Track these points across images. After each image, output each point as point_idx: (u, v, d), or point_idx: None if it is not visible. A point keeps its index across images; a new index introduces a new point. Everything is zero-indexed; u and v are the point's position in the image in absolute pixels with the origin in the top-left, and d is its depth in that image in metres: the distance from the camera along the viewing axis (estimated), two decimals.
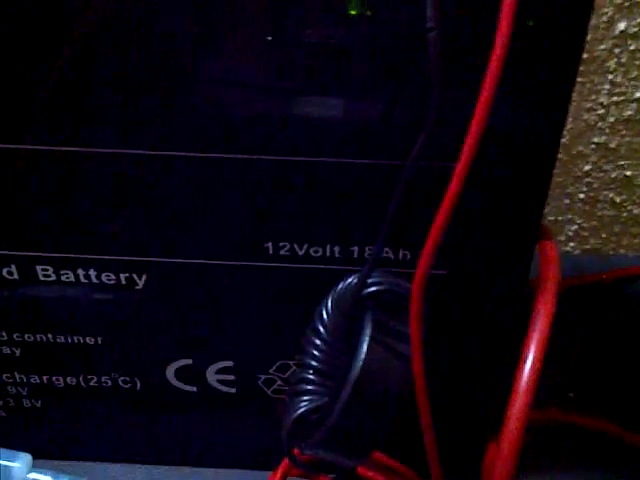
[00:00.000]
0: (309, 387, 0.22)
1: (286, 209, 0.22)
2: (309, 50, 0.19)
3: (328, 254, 0.23)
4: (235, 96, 0.21)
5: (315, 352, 0.22)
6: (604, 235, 0.40)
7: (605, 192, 0.38)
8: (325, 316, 0.22)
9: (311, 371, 0.22)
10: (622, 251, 0.40)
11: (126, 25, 0.19)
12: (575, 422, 0.32)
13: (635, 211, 0.38)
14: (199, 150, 0.21)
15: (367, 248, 0.23)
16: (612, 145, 0.36)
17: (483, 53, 0.16)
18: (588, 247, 0.40)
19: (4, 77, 0.20)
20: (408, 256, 0.23)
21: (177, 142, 0.21)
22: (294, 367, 0.27)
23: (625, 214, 0.38)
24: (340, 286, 0.22)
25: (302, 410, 0.21)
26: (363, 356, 0.20)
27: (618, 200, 0.38)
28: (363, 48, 0.19)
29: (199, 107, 0.21)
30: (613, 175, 0.37)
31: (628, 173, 0.37)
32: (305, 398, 0.22)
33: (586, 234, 0.40)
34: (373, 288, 0.20)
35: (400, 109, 0.20)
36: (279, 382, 0.27)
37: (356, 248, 0.23)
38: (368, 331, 0.20)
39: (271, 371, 0.27)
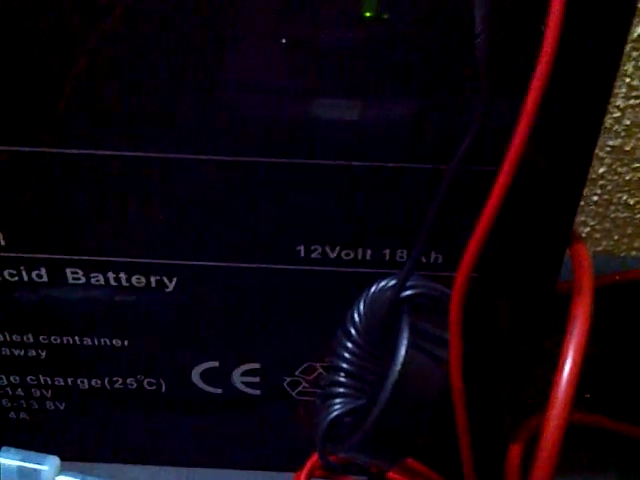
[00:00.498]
0: (342, 390, 0.22)
1: (318, 212, 0.22)
2: (331, 53, 0.20)
3: (360, 257, 0.23)
4: (264, 99, 0.21)
5: (347, 355, 0.22)
6: (616, 237, 0.40)
7: (619, 194, 0.38)
8: (357, 319, 0.22)
9: (343, 374, 0.22)
10: (634, 253, 0.40)
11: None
12: (590, 423, 0.32)
13: None
14: (230, 153, 0.21)
15: (399, 251, 0.23)
16: (627, 148, 0.37)
17: (527, 59, 0.16)
18: (600, 249, 0.41)
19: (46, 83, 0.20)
20: (440, 259, 0.23)
21: (207, 145, 0.21)
22: (320, 369, 0.27)
23: (639, 216, 0.39)
24: (373, 289, 0.22)
25: (337, 413, 0.22)
26: (401, 360, 0.20)
27: (632, 202, 0.38)
28: (395, 51, 0.19)
29: (232, 110, 0.21)
30: (627, 177, 0.37)
31: None
32: (338, 401, 0.22)
33: (598, 236, 0.40)
34: (409, 292, 0.20)
35: (431, 113, 0.21)
36: (304, 384, 0.27)
37: (388, 251, 0.23)
38: (406, 335, 0.20)
39: (297, 373, 0.27)
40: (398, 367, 0.20)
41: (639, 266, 0.38)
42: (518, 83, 0.17)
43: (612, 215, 0.39)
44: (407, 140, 0.21)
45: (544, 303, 0.24)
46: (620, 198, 0.38)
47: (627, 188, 0.38)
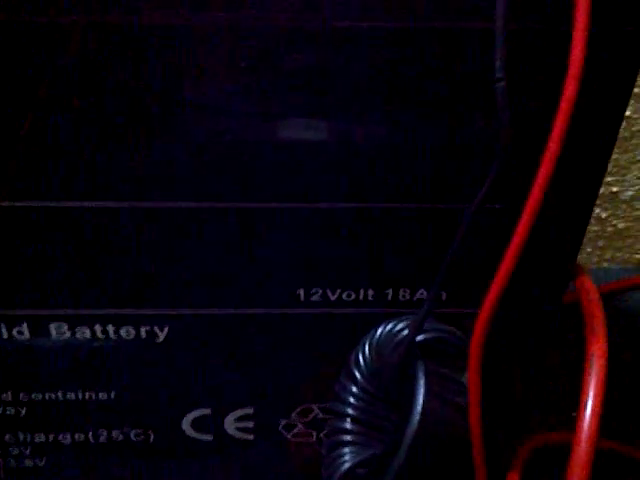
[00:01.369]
0: (349, 438, 0.22)
1: (318, 255, 0.22)
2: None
3: (361, 298, 0.22)
4: (260, 145, 0.20)
5: (353, 400, 0.22)
6: (589, 249, 0.40)
7: None
8: (363, 362, 0.21)
9: (349, 420, 0.22)
10: (605, 264, 0.41)
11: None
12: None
13: (620, 225, 0.39)
14: (225, 200, 0.20)
15: (401, 290, 0.22)
16: None
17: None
18: None
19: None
20: (443, 296, 0.22)
21: (201, 191, 0.20)
22: (317, 410, 0.26)
23: (610, 229, 0.39)
24: (380, 331, 0.21)
25: (349, 465, 0.21)
26: (420, 409, 0.19)
27: (604, 215, 0.39)
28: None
29: (226, 158, 0.20)
30: (600, 191, 0.37)
31: (614, 189, 0.37)
32: (347, 450, 0.21)
33: None
34: (423, 336, 0.20)
35: (431, 156, 0.20)
36: (300, 426, 0.26)
37: (390, 291, 0.22)
38: (422, 382, 0.19)
39: (293, 415, 0.26)
40: (417, 417, 0.19)
41: (611, 278, 0.38)
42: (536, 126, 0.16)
43: None
44: (408, 181, 0.20)
45: (548, 334, 0.23)
46: (592, 212, 0.38)
47: (599, 202, 0.38)
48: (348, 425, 0.22)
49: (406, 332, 0.20)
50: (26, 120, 0.19)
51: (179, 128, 0.19)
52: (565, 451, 0.32)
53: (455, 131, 0.20)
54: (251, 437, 0.26)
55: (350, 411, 0.22)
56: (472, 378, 0.18)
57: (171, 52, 0.18)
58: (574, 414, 0.34)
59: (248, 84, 0.18)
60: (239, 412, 0.26)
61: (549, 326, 0.23)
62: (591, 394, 0.19)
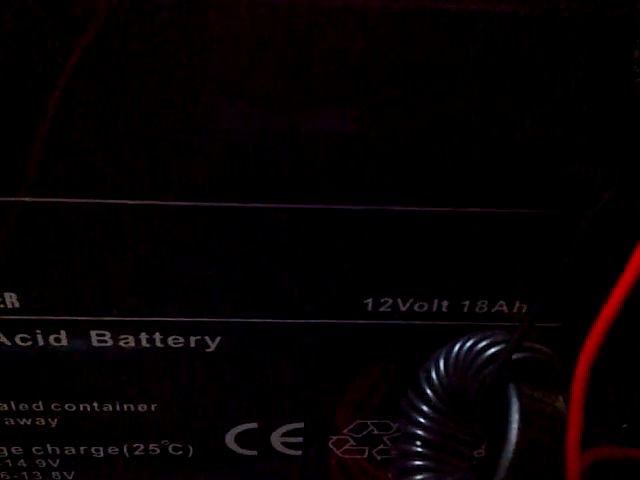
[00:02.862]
0: (421, 462, 0.20)
1: (390, 262, 0.20)
2: None
3: (435, 309, 0.20)
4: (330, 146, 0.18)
5: (423, 421, 0.20)
6: None
7: None
8: (436, 380, 0.20)
9: (419, 443, 0.20)
10: None
11: None
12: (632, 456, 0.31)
13: None
14: (287, 201, 0.18)
15: (479, 302, 0.20)
16: None
17: None
18: None
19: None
20: (524, 309, 0.21)
21: (260, 193, 0.18)
22: (372, 427, 0.24)
23: None
24: (458, 347, 0.19)
25: None
26: (515, 438, 0.17)
27: None
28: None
29: (292, 158, 0.18)
30: None
31: None
32: (418, 477, 0.19)
33: None
34: (517, 356, 0.18)
35: (505, 156, 0.18)
36: (352, 442, 0.24)
37: (467, 302, 0.20)
38: (517, 407, 0.17)
39: (345, 431, 0.24)
40: (513, 447, 0.17)
41: None
42: None
43: None
44: (487, 184, 0.18)
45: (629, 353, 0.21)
46: None
47: None
48: (419, 449, 0.20)
49: (494, 350, 0.18)
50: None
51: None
52: (621, 466, 0.30)
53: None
54: (299, 453, 0.24)
55: (421, 433, 0.20)
56: (574, 411, 0.16)
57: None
58: (624, 426, 0.33)
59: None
60: (287, 427, 0.24)
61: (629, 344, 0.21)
62: None
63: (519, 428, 0.17)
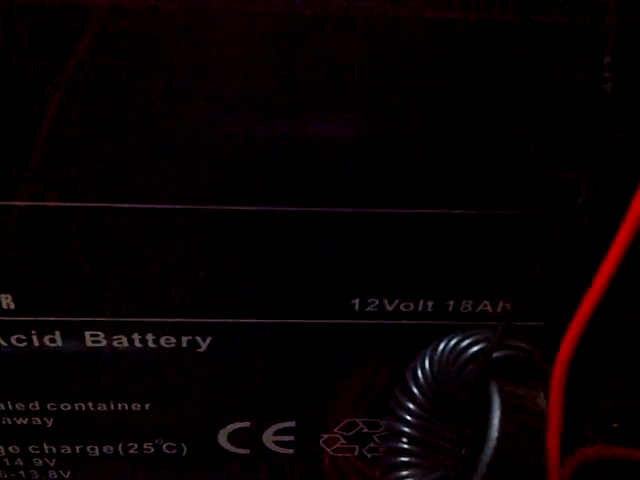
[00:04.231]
0: (407, 459, 0.20)
1: (376, 263, 0.20)
2: None
3: (420, 309, 0.21)
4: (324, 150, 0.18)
5: (410, 418, 0.20)
6: None
7: None
8: (422, 378, 0.20)
9: (405, 440, 0.20)
10: None
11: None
12: (622, 456, 0.31)
13: None
14: (275, 204, 0.19)
15: (464, 302, 0.21)
16: None
17: None
18: None
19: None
20: (507, 308, 0.21)
21: (250, 196, 0.19)
22: (361, 425, 0.24)
23: None
24: (442, 346, 0.20)
25: None
26: (496, 434, 0.17)
27: None
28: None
29: (282, 164, 0.18)
30: None
31: None
32: (405, 473, 0.20)
33: None
34: (498, 354, 0.18)
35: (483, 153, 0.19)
36: (342, 441, 0.25)
37: (452, 302, 0.21)
38: (498, 404, 0.18)
39: (336, 430, 0.24)
40: (494, 443, 0.17)
41: None
42: None
43: None
44: (471, 187, 0.19)
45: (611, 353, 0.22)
46: None
47: None
48: (406, 445, 0.20)
49: (476, 348, 0.19)
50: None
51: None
52: (611, 465, 0.30)
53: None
54: (291, 451, 0.25)
55: (408, 430, 0.20)
56: (553, 407, 0.17)
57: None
58: (615, 425, 0.33)
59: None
60: (279, 425, 0.24)
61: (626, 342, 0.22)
62: None
63: (500, 424, 0.17)
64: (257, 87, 0.17)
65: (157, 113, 0.17)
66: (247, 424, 0.24)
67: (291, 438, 0.24)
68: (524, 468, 0.18)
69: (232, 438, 0.24)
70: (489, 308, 0.21)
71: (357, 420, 0.24)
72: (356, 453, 0.25)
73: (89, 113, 0.17)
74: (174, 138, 0.18)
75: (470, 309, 0.21)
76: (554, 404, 0.17)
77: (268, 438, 0.24)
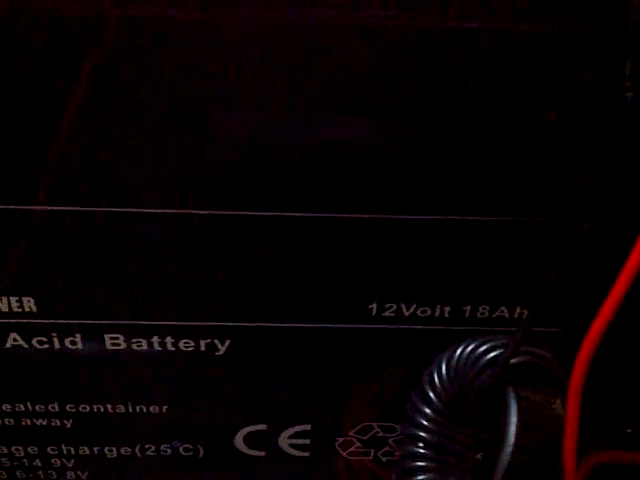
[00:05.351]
0: (423, 463, 0.20)
1: (394, 268, 0.20)
2: None
3: (437, 314, 0.21)
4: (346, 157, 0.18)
5: (426, 423, 0.20)
6: None
7: None
8: (438, 383, 0.20)
9: (422, 444, 0.20)
10: None
11: None
12: (636, 461, 0.31)
13: None
14: (295, 210, 0.19)
15: (481, 307, 0.21)
16: None
17: None
18: None
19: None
20: (524, 314, 0.21)
21: (272, 202, 0.19)
22: (377, 429, 0.24)
23: None
24: (459, 352, 0.20)
25: None
26: (513, 440, 0.18)
27: None
28: None
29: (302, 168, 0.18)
30: None
31: None
32: (421, 478, 0.20)
33: None
34: (516, 360, 0.18)
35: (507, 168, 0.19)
36: (357, 444, 0.25)
37: (469, 308, 0.21)
38: (515, 410, 0.18)
39: (351, 433, 0.25)
40: (510, 449, 0.18)
41: None
42: None
43: None
44: (488, 193, 0.19)
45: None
46: None
47: None
48: (422, 450, 0.20)
49: (493, 354, 0.19)
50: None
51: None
52: (624, 470, 0.30)
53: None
54: (306, 454, 0.25)
55: (424, 435, 0.20)
56: (571, 412, 0.17)
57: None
58: (629, 430, 0.33)
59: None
60: (295, 428, 0.24)
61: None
62: None
63: (517, 430, 0.17)
64: (270, 92, 0.17)
65: (175, 119, 0.18)
66: (263, 427, 0.24)
67: (306, 441, 0.25)
68: (540, 473, 0.18)
69: (248, 441, 0.25)
70: (506, 314, 0.21)
71: (373, 424, 0.24)
72: (371, 457, 0.25)
73: (107, 120, 0.17)
74: (202, 146, 0.18)
75: (487, 315, 0.21)
76: (571, 411, 0.17)
77: (284, 441, 0.25)
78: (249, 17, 0.16)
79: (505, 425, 0.18)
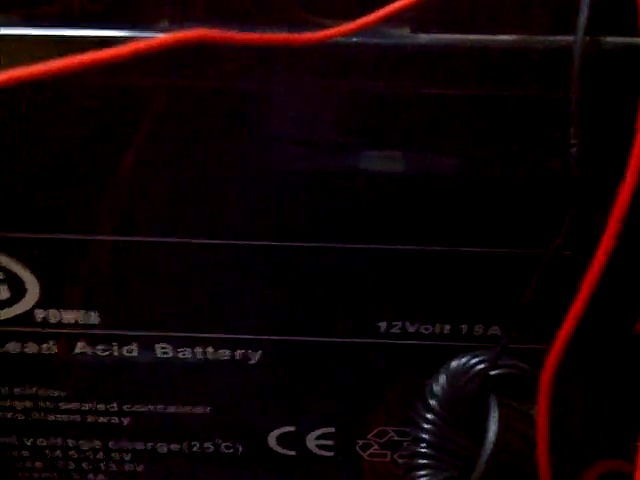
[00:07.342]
0: (424, 461, 0.23)
1: (401, 292, 0.24)
2: None
3: (438, 332, 0.24)
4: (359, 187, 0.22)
5: (427, 426, 0.23)
6: None
7: None
8: (438, 392, 0.23)
9: (424, 444, 0.23)
10: None
11: None
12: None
13: None
14: (318, 240, 0.23)
15: (476, 326, 0.24)
16: None
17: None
18: None
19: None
20: (498, 332, 0.24)
21: (295, 231, 0.23)
22: (392, 433, 0.28)
23: None
24: (454, 364, 0.23)
25: None
26: (493, 439, 0.21)
27: None
28: None
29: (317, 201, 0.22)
30: None
31: None
32: (422, 473, 0.23)
33: None
34: (497, 371, 0.22)
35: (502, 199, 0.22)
36: (375, 446, 0.28)
37: (465, 326, 0.24)
38: (495, 414, 0.21)
39: (369, 436, 0.28)
40: (490, 446, 0.21)
41: None
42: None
43: None
44: (483, 228, 0.22)
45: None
46: None
47: None
48: (422, 449, 0.23)
49: (480, 367, 0.22)
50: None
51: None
52: None
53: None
54: (331, 454, 0.28)
55: (424, 436, 0.23)
56: (541, 417, 0.20)
57: None
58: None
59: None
60: (321, 431, 0.28)
61: (620, 357, 0.24)
62: None
63: (497, 431, 0.21)
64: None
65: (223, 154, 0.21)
66: (293, 428, 0.28)
67: (331, 442, 0.28)
68: (516, 467, 0.21)
69: (280, 440, 0.28)
70: (498, 332, 0.24)
71: (387, 428, 0.27)
72: (388, 458, 0.28)
73: (166, 162, 0.21)
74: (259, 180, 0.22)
75: (481, 332, 0.24)
76: (542, 413, 0.20)
77: (311, 442, 0.28)
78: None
79: (488, 427, 0.21)
